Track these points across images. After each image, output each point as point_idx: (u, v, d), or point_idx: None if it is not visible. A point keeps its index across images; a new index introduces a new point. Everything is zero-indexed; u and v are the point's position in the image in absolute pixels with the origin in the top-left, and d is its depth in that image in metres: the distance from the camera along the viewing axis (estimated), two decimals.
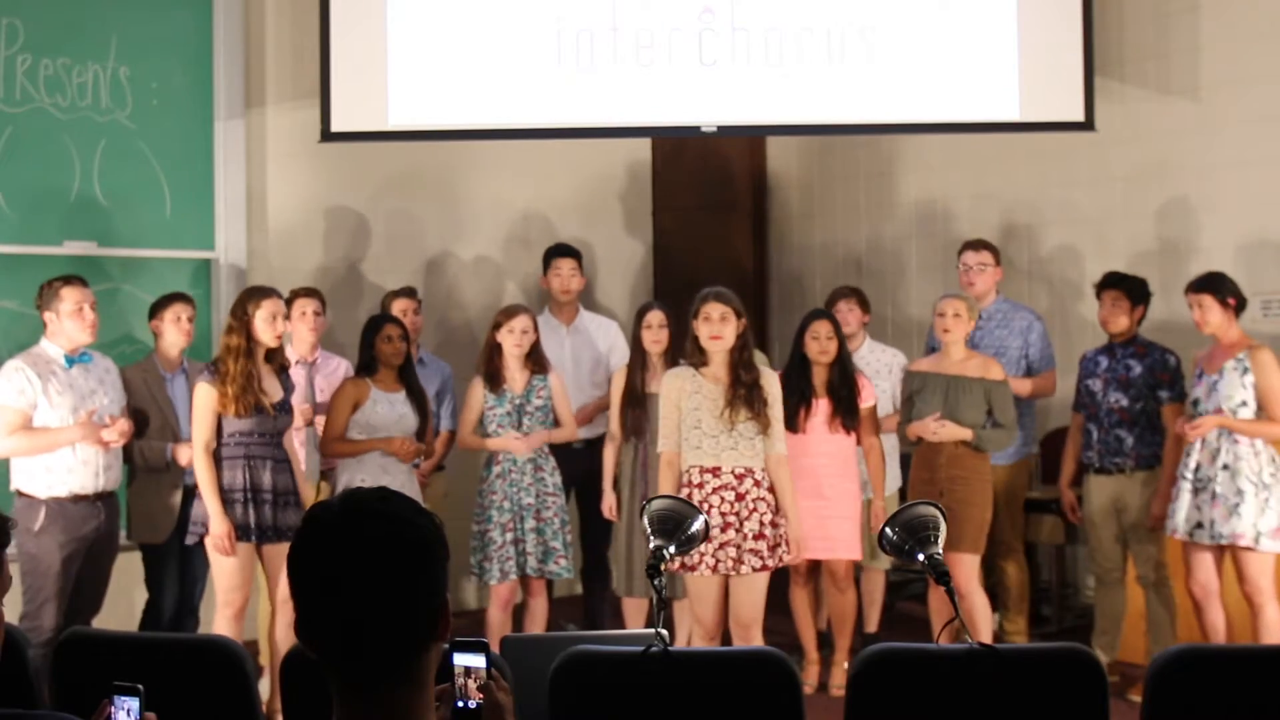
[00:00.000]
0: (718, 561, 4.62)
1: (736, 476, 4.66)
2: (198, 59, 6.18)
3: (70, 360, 4.78)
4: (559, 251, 6.21)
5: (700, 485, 4.66)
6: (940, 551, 2.92)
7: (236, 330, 4.74)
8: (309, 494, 5.09)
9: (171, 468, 5.04)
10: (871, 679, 2.76)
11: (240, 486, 4.72)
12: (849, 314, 5.78)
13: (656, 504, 3.18)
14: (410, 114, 6.09)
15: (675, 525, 3.12)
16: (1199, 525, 4.85)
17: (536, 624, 5.38)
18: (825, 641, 5.59)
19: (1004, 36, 6.03)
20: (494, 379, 5.32)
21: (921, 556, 2.91)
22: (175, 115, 6.10)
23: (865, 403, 5.33)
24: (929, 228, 7.18)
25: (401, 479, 5.01)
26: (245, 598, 4.80)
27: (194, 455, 4.75)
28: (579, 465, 5.72)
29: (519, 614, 5.48)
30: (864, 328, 5.92)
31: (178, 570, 5.14)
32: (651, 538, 3.09)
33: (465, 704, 1.92)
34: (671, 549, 3.09)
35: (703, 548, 4.58)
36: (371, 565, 1.65)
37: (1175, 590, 5.26)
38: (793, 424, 5.04)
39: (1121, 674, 5.35)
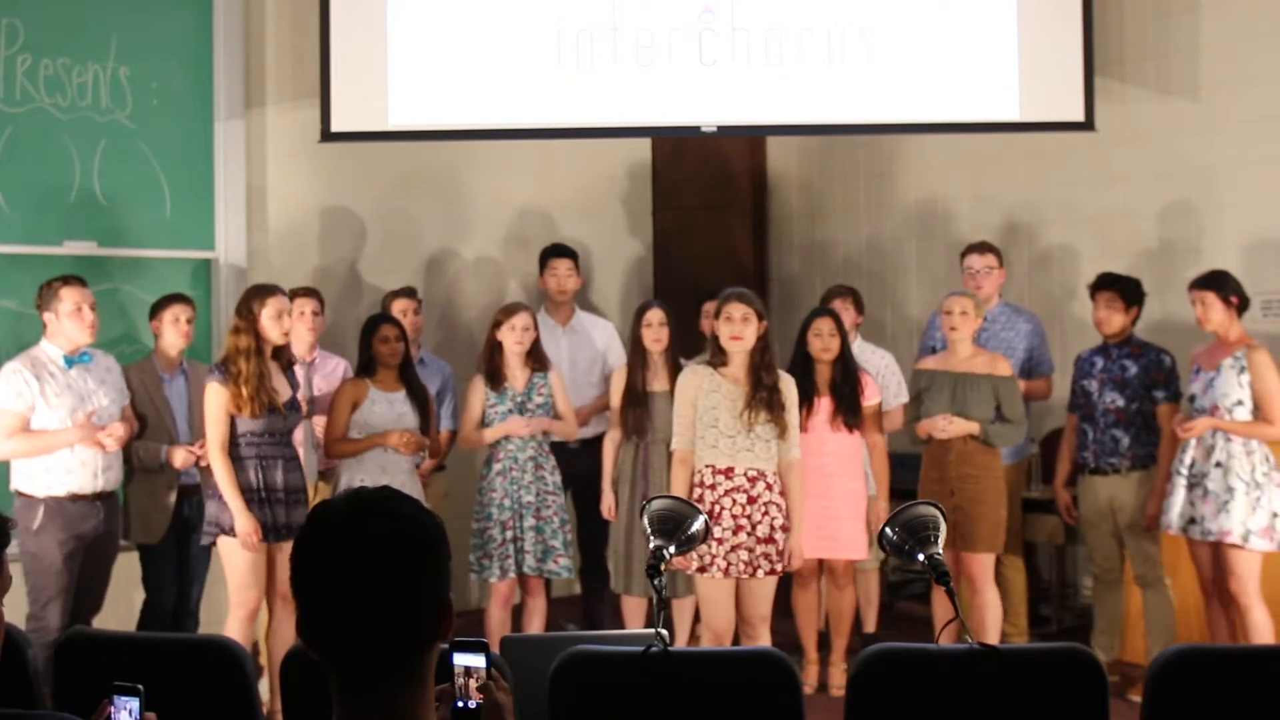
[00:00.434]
0: (729, 564, 4.63)
1: (749, 479, 4.67)
2: (198, 59, 6.18)
3: (69, 361, 4.77)
4: (555, 251, 6.21)
5: (712, 486, 4.66)
6: (940, 551, 2.91)
7: (245, 330, 4.73)
8: (312, 494, 5.09)
9: (166, 469, 5.04)
10: (871, 679, 2.76)
11: (254, 486, 4.72)
12: (844, 313, 5.78)
13: (656, 504, 3.18)
14: (410, 114, 6.09)
15: (675, 525, 3.12)
16: (1191, 520, 4.86)
17: (535, 623, 5.38)
18: (825, 641, 5.59)
19: (1004, 36, 6.03)
20: (495, 377, 5.32)
21: (921, 556, 2.91)
22: (175, 115, 6.10)
23: (869, 400, 5.33)
24: (929, 228, 7.18)
25: (402, 479, 5.01)
26: (259, 598, 4.79)
27: (211, 456, 4.74)
28: (576, 465, 5.72)
29: (518, 613, 5.48)
30: (856, 328, 5.92)
31: (174, 570, 5.14)
32: (651, 538, 3.09)
33: (465, 704, 1.92)
34: (671, 549, 3.09)
35: (714, 549, 4.60)
36: (375, 564, 1.65)
37: (1174, 590, 5.26)
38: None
39: (1121, 674, 5.35)
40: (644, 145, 7.56)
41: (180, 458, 4.98)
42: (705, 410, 4.70)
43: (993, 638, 5.07)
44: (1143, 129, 6.24)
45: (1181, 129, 6.11)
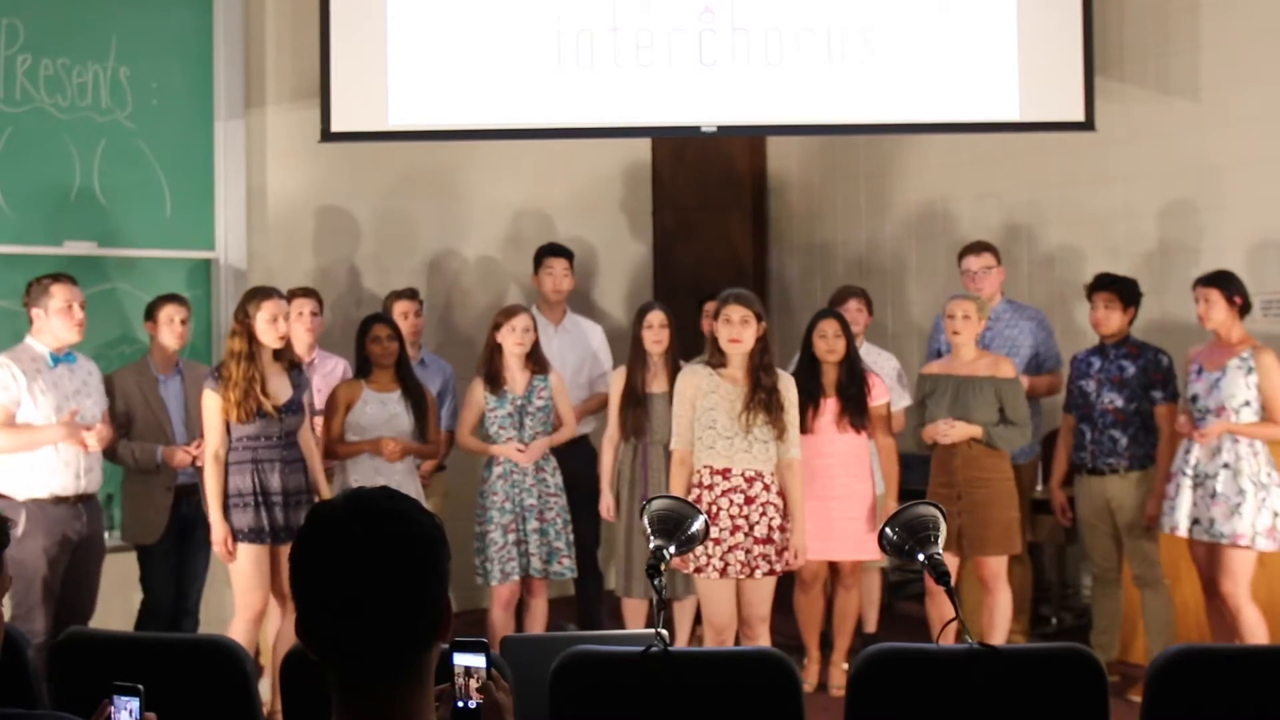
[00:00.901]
0: (726, 565, 4.64)
1: (747, 480, 4.67)
2: (198, 59, 6.18)
3: (55, 359, 4.75)
4: (551, 251, 6.21)
5: (710, 487, 4.67)
6: (940, 551, 2.91)
7: (239, 333, 4.74)
8: (327, 493, 5.08)
9: (163, 469, 5.03)
10: (871, 679, 2.76)
11: (250, 490, 4.72)
12: (858, 314, 5.78)
13: (656, 504, 3.18)
14: (410, 114, 6.09)
15: (675, 525, 3.12)
16: (1197, 521, 4.86)
17: (537, 624, 5.38)
18: (826, 641, 5.59)
19: (1004, 37, 6.03)
20: (494, 380, 5.31)
21: (921, 556, 2.91)
22: (175, 115, 6.10)
23: (876, 401, 5.32)
24: (929, 228, 7.17)
25: (397, 479, 5.00)
26: (263, 600, 4.79)
27: (205, 462, 4.76)
28: (565, 466, 5.70)
29: (519, 614, 5.48)
30: (865, 330, 5.92)
31: (172, 570, 5.13)
32: (651, 538, 3.09)
33: (465, 704, 1.92)
34: (671, 549, 3.09)
35: (711, 550, 4.60)
36: (374, 564, 1.65)
37: (1174, 590, 5.26)
38: (801, 424, 5.01)
39: (1121, 674, 5.35)
40: (644, 145, 7.56)
41: (177, 458, 4.98)
42: (703, 411, 4.70)
43: (999, 637, 5.07)
44: (1143, 129, 6.24)
45: (1181, 129, 6.11)
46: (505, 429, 5.29)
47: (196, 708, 2.71)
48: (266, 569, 4.76)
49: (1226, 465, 4.80)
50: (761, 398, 4.66)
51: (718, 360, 4.74)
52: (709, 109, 6.05)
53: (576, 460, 5.70)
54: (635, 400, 5.43)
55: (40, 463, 4.67)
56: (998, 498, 5.11)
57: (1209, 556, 4.88)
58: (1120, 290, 5.34)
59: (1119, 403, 5.28)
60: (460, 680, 1.93)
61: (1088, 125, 5.99)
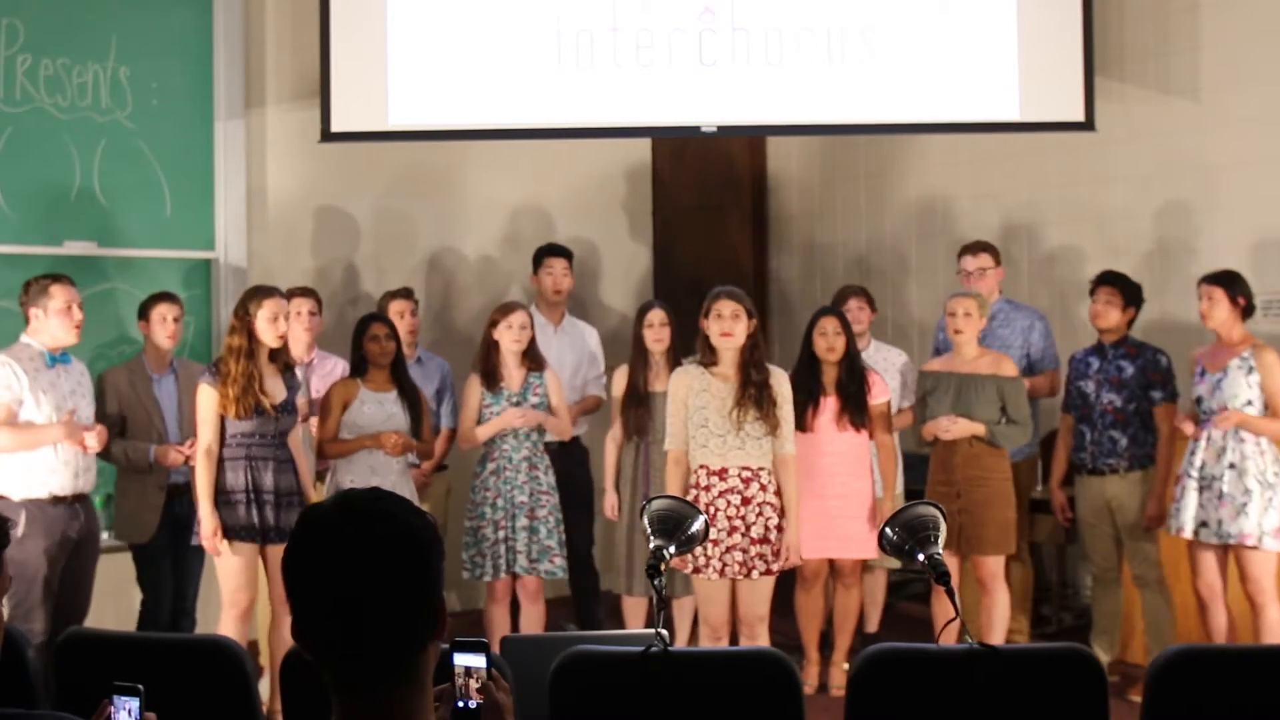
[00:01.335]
0: (724, 565, 4.64)
1: (743, 480, 4.67)
2: (198, 59, 6.18)
3: (52, 359, 4.75)
4: (551, 250, 6.21)
5: (707, 488, 4.67)
6: (940, 551, 2.91)
7: (239, 331, 4.75)
8: (313, 495, 5.09)
9: (155, 468, 5.02)
10: (871, 679, 2.76)
11: (242, 487, 4.73)
12: (859, 313, 5.78)
13: (656, 504, 3.18)
14: (410, 114, 6.09)
15: (675, 525, 3.12)
16: (1204, 524, 4.85)
17: (533, 629, 5.37)
18: (826, 642, 5.59)
19: (1004, 37, 6.03)
20: (491, 377, 5.31)
21: (921, 556, 2.91)
22: (175, 115, 6.10)
23: (877, 399, 5.32)
24: (929, 228, 7.18)
25: (393, 479, 4.99)
26: (251, 599, 4.80)
27: (196, 457, 4.76)
28: (559, 465, 5.69)
29: (515, 614, 5.48)
30: (870, 327, 5.92)
31: (169, 568, 5.13)
32: (651, 538, 3.09)
33: (465, 704, 1.92)
34: (671, 549, 3.09)
35: (709, 550, 4.61)
36: (366, 565, 1.65)
37: (1174, 590, 5.26)
38: (801, 422, 5.02)
39: (1121, 674, 5.35)
40: (644, 145, 7.56)
41: (170, 457, 4.97)
42: (695, 410, 4.70)
43: (998, 638, 5.07)
44: (1143, 129, 6.24)
45: (1181, 129, 6.11)
46: None
47: (196, 708, 2.71)
48: (255, 567, 4.78)
49: (1232, 465, 4.79)
50: (752, 393, 4.66)
51: (709, 359, 4.74)
52: (709, 109, 6.05)
53: (569, 461, 5.71)
54: (637, 399, 5.44)
55: (39, 463, 4.67)
56: (996, 497, 5.11)
57: (1221, 562, 4.88)
58: (1123, 287, 5.35)
59: (1118, 403, 5.28)
60: (460, 680, 1.93)
61: (1088, 125, 5.99)
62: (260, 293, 4.83)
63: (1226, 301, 4.87)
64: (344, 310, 6.47)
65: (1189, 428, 4.91)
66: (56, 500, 4.70)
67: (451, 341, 6.78)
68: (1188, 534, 4.91)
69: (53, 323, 4.71)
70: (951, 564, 4.64)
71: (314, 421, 5.37)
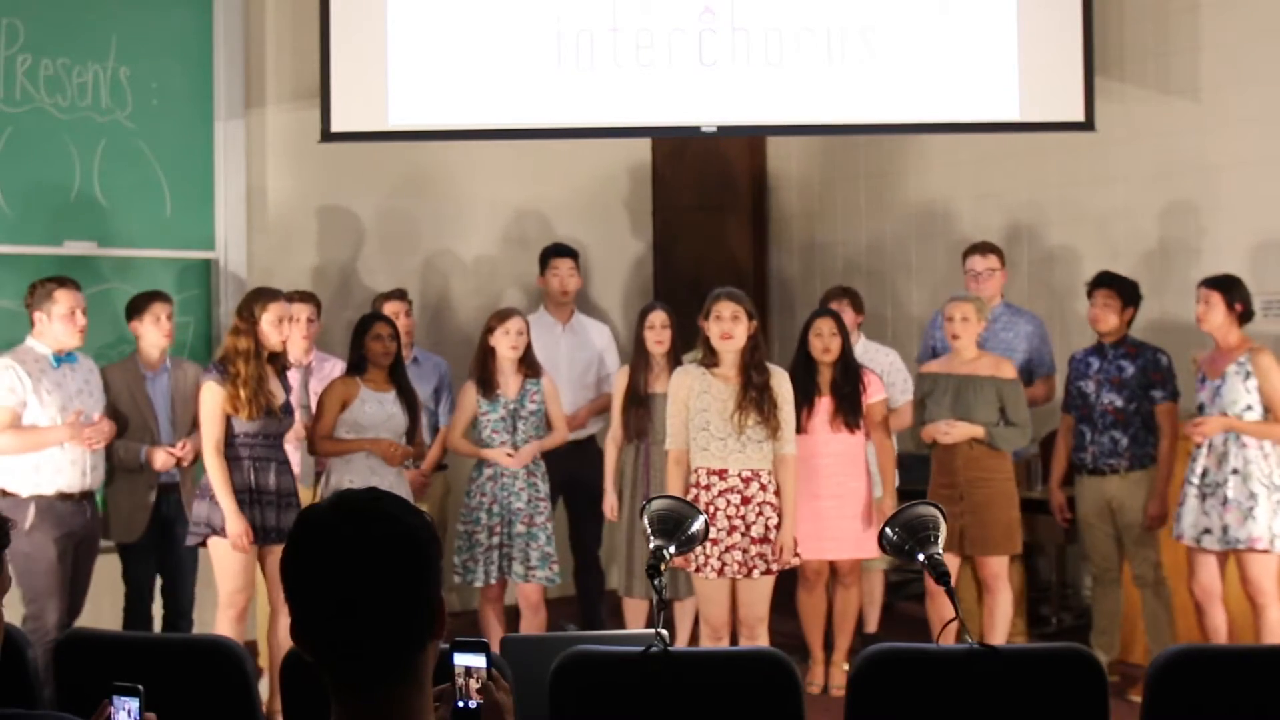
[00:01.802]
0: (724, 565, 4.64)
1: (743, 480, 4.67)
2: (198, 59, 6.18)
3: (58, 360, 4.78)
4: (557, 251, 6.21)
5: (707, 487, 4.67)
6: (940, 551, 2.91)
7: (245, 333, 4.73)
8: (305, 497, 5.08)
9: (145, 469, 5.02)
10: (871, 679, 2.76)
11: (245, 488, 4.72)
12: (842, 314, 5.77)
13: (656, 504, 3.18)
14: (410, 114, 6.09)
15: (675, 525, 3.12)
16: (1206, 531, 4.84)
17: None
18: (827, 642, 5.58)
19: (1004, 37, 6.02)
20: (487, 383, 5.29)
21: (921, 556, 2.91)
22: (175, 115, 6.10)
23: (873, 399, 5.32)
24: (930, 228, 7.17)
25: (390, 479, 4.99)
26: (248, 599, 4.82)
27: (205, 456, 4.75)
28: (567, 466, 5.70)
29: (513, 613, 5.47)
30: (858, 328, 5.92)
31: (154, 567, 5.13)
32: (651, 538, 3.09)
33: (465, 704, 1.92)
34: (671, 549, 3.09)
35: (709, 550, 4.61)
36: (364, 566, 1.65)
37: (1174, 590, 5.26)
38: (796, 423, 5.01)
39: (1121, 674, 5.35)
40: (644, 145, 7.56)
41: (159, 459, 4.97)
42: (696, 412, 4.70)
43: (1000, 637, 5.07)
44: (1143, 129, 6.24)
45: (1181, 129, 6.11)
46: (498, 433, 5.28)
47: (196, 708, 2.71)
48: (254, 567, 4.78)
49: (1236, 471, 4.79)
50: (753, 396, 4.66)
51: (710, 360, 4.74)
52: (709, 109, 6.05)
53: (583, 461, 5.69)
54: (637, 400, 5.43)
55: (46, 461, 4.71)
56: (999, 498, 5.11)
57: (1221, 563, 4.87)
58: (1120, 289, 5.35)
59: (1119, 403, 5.28)
60: (460, 680, 1.93)
61: (1088, 125, 5.99)
62: (265, 295, 4.83)
63: (1223, 306, 4.87)
64: (343, 311, 6.47)
65: (1197, 437, 4.90)
66: (64, 497, 4.74)
67: (451, 342, 6.78)
68: (1187, 540, 4.91)
69: (56, 327, 4.74)
70: (953, 565, 4.65)
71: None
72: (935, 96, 6.07)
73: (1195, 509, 4.87)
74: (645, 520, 3.13)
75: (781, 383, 4.76)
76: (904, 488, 5.46)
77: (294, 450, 5.19)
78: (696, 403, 4.70)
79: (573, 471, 5.71)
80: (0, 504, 4.66)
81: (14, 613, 4.61)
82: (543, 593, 5.37)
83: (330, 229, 6.67)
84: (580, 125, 6.18)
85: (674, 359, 5.42)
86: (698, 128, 6.12)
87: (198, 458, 4.95)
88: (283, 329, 4.79)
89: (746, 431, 4.66)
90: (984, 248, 5.93)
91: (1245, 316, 4.90)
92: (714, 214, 7.66)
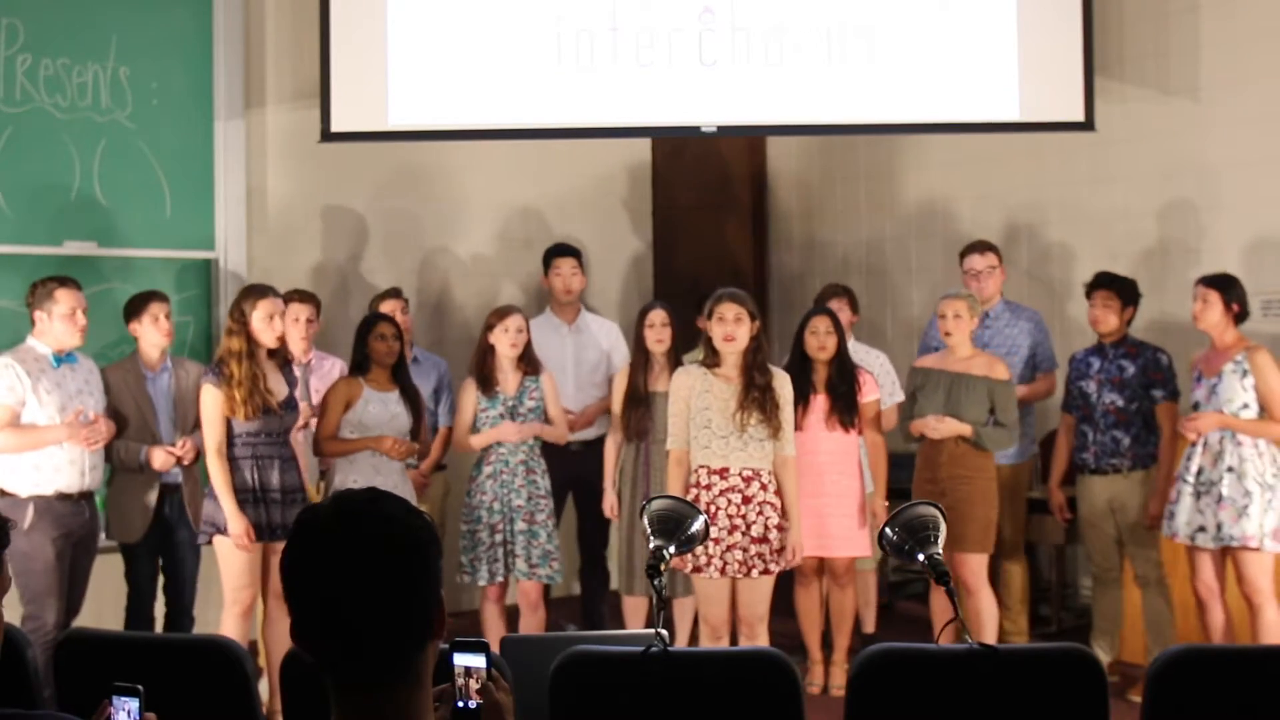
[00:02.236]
0: (724, 564, 4.64)
1: (744, 479, 4.68)
2: (198, 59, 6.18)
3: (58, 359, 4.78)
4: (559, 251, 6.20)
5: (708, 487, 4.68)
6: (940, 551, 2.91)
7: (236, 332, 4.76)
8: (311, 494, 5.09)
9: (146, 469, 5.02)
10: (871, 679, 2.76)
11: (249, 486, 4.74)
12: (839, 313, 5.77)
13: (656, 504, 3.18)
14: (410, 114, 6.09)
15: (675, 525, 3.12)
16: (1201, 529, 4.85)
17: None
18: (826, 642, 5.59)
19: (1004, 36, 6.02)
20: (486, 381, 5.30)
21: (921, 556, 2.91)
22: (175, 115, 6.10)
23: (867, 398, 5.33)
24: (929, 228, 7.18)
25: (395, 479, 5.00)
26: (253, 596, 4.83)
27: (208, 459, 4.78)
28: (577, 466, 5.71)
29: (513, 613, 5.47)
30: (851, 328, 5.92)
31: (156, 568, 5.14)
32: (651, 538, 3.09)
33: (465, 704, 1.92)
34: (671, 549, 3.09)
35: (710, 549, 4.61)
36: (364, 566, 1.66)
37: (1174, 590, 5.26)
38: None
39: (1121, 674, 5.35)
40: (644, 145, 7.56)
41: (159, 459, 4.97)
42: (698, 411, 4.70)
43: (989, 638, 5.07)
44: (1143, 129, 6.24)
45: (1181, 129, 6.11)
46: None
47: (196, 708, 2.71)
48: (258, 564, 4.79)
49: (1231, 469, 4.79)
50: (755, 397, 4.66)
51: (712, 360, 4.74)
52: (709, 109, 6.05)
53: (592, 461, 5.68)
54: (638, 400, 5.43)
55: (47, 461, 4.72)
56: (979, 495, 5.11)
57: (1219, 564, 4.88)
58: (1119, 289, 5.35)
59: (1119, 403, 5.29)
60: (460, 680, 1.93)
61: (1088, 125, 5.99)
62: (254, 292, 4.84)
63: (1220, 305, 4.87)
64: (343, 310, 6.47)
65: (1190, 434, 4.90)
66: (63, 497, 4.74)
67: (451, 341, 6.78)
68: (1181, 539, 4.91)
69: (57, 327, 4.75)
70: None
71: (314, 423, 5.37)
72: (935, 96, 6.07)
73: (1190, 507, 4.87)
74: (645, 520, 3.13)
75: (783, 384, 4.76)
76: (896, 486, 5.46)
77: (302, 443, 5.19)
78: (698, 402, 4.70)
79: (581, 471, 5.71)
80: None
81: (12, 613, 4.60)
82: (542, 592, 5.38)
83: (330, 229, 6.67)
84: (580, 125, 6.18)
85: (674, 358, 5.42)
86: (697, 128, 6.12)
87: (199, 457, 4.96)
88: (274, 325, 4.79)
89: (749, 430, 4.66)
90: (981, 246, 5.93)
91: (1240, 317, 4.91)
92: (713, 213, 7.66)
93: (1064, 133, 6.16)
